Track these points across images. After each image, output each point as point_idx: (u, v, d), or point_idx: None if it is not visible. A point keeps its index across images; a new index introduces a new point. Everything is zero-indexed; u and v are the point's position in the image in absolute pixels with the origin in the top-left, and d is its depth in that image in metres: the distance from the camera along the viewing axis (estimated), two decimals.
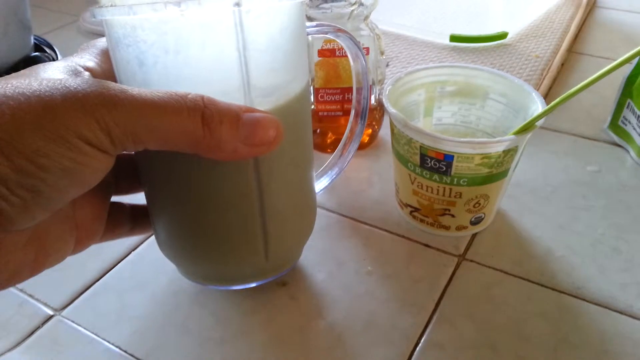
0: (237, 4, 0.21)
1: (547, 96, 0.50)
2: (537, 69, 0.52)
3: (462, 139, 0.29)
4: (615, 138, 0.44)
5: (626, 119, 0.42)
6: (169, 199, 0.26)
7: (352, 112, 0.34)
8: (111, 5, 0.22)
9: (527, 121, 0.30)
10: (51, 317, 0.30)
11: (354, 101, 0.34)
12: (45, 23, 0.64)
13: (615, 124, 0.44)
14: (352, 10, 0.36)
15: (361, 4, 0.37)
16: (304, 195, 0.29)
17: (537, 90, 0.49)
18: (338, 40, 0.31)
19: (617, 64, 0.27)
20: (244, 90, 0.23)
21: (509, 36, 0.57)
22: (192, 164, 0.24)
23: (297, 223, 0.29)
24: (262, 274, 0.30)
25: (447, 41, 0.56)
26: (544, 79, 0.51)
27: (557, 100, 0.29)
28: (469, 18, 0.62)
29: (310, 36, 0.34)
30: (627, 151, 0.43)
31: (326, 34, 0.30)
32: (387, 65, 0.52)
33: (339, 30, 0.29)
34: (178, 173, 0.25)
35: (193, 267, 0.29)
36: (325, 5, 0.37)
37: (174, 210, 0.27)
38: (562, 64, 0.55)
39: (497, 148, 0.30)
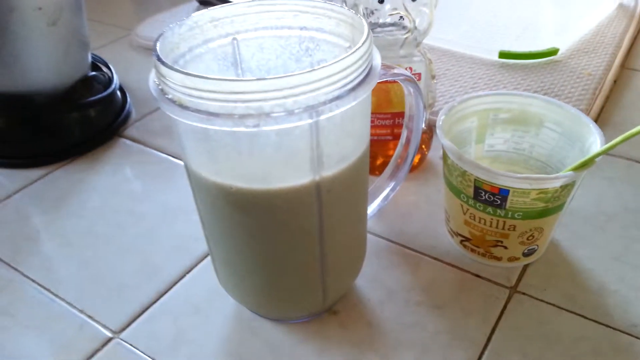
0: (314, 117, 0.22)
1: (599, 116, 0.49)
2: (589, 87, 0.51)
3: (519, 175, 0.29)
4: None
5: None
6: (231, 240, 0.27)
7: (403, 139, 0.34)
8: (180, 106, 0.22)
9: (586, 157, 0.29)
10: (110, 339, 0.32)
11: (404, 131, 0.34)
12: (98, 37, 0.66)
13: None
14: (406, 37, 0.36)
15: (415, 29, 0.37)
16: (359, 231, 0.30)
17: (590, 110, 0.48)
18: (402, 85, 0.31)
19: None
20: (312, 168, 0.24)
21: (559, 52, 0.56)
22: (259, 209, 0.25)
23: (353, 258, 0.30)
24: (318, 310, 0.30)
25: (495, 57, 0.55)
26: (596, 98, 0.50)
27: (620, 138, 0.28)
28: (518, 32, 0.61)
29: None
30: None
31: (395, 80, 0.30)
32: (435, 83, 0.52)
33: (408, 79, 0.29)
34: (243, 215, 0.26)
35: (250, 302, 0.30)
36: (379, 29, 0.37)
37: (234, 249, 0.28)
38: (615, 81, 0.54)
39: (555, 184, 0.29)
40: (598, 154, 0.29)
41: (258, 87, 0.21)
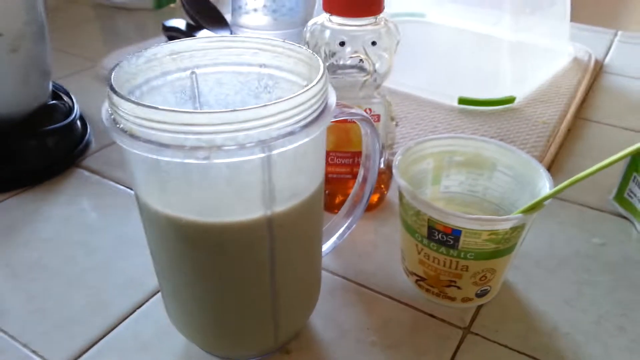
0: (266, 151, 0.22)
1: (552, 163, 0.50)
2: (544, 135, 0.52)
3: (470, 215, 0.30)
4: (621, 210, 0.44)
5: (632, 192, 0.43)
6: (180, 275, 0.27)
7: (360, 178, 0.35)
8: (131, 136, 0.22)
9: (535, 201, 0.30)
10: None
11: (361, 169, 0.34)
12: (62, 67, 0.65)
13: (621, 196, 0.44)
14: (366, 80, 0.37)
15: (375, 72, 0.37)
16: (313, 268, 0.30)
17: (544, 157, 0.50)
18: (359, 125, 0.32)
19: (622, 156, 0.28)
20: (264, 202, 0.24)
21: (516, 100, 0.58)
22: (209, 242, 0.25)
23: (306, 296, 0.30)
24: (270, 349, 0.30)
25: (455, 103, 0.57)
26: (550, 145, 0.51)
27: (566, 183, 0.29)
28: (477, 80, 0.63)
29: None
30: (633, 224, 0.43)
31: (353, 120, 0.30)
32: (397, 125, 0.53)
33: (364, 119, 0.30)
34: (193, 249, 0.25)
35: (200, 339, 0.29)
36: (340, 71, 0.38)
37: (184, 284, 0.27)
38: (569, 130, 0.56)
39: (505, 225, 0.30)
40: (546, 198, 0.30)
41: (210, 119, 0.21)
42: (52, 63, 0.49)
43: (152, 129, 0.21)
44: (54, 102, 0.48)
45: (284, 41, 0.28)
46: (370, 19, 0.36)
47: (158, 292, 0.35)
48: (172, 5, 0.89)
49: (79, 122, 0.50)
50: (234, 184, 0.23)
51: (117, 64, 0.25)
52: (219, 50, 0.29)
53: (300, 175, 0.25)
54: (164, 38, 0.71)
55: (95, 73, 0.65)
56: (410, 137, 0.52)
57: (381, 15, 0.37)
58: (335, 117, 0.29)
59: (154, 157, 0.22)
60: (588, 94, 0.65)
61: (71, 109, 0.49)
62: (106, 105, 0.24)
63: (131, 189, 0.45)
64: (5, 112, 0.44)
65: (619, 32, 0.86)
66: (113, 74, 0.24)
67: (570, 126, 0.57)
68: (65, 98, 0.51)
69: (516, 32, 0.63)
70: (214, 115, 0.21)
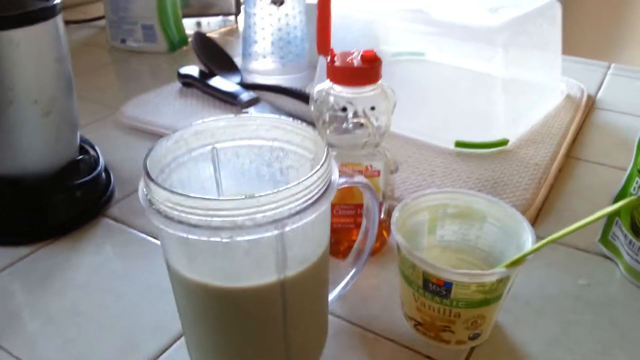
0: (280, 229, 0.26)
1: (543, 205, 0.54)
2: (535, 177, 0.56)
3: (459, 271, 0.33)
4: (606, 251, 0.47)
5: (615, 235, 0.46)
6: (204, 328, 0.31)
7: (361, 236, 0.38)
8: (165, 217, 0.26)
9: (517, 256, 0.34)
10: None
11: (363, 224, 0.38)
12: (83, 115, 0.69)
13: (605, 238, 0.47)
14: (366, 141, 0.41)
15: (374, 133, 0.41)
16: (321, 318, 0.33)
17: (535, 199, 0.53)
18: (361, 189, 0.36)
19: (597, 217, 0.31)
20: (277, 269, 0.28)
21: (510, 142, 0.62)
22: (230, 303, 0.29)
23: (315, 343, 0.33)
24: None
25: (452, 146, 0.61)
26: (541, 187, 0.55)
27: (545, 241, 0.33)
28: (473, 121, 0.66)
29: None
30: (617, 265, 0.46)
31: (354, 186, 0.34)
32: (397, 170, 0.57)
33: (365, 186, 0.34)
34: (215, 307, 0.29)
35: None
36: (344, 133, 0.41)
37: (206, 335, 0.31)
38: (560, 170, 0.60)
39: (491, 278, 0.34)
40: (527, 253, 0.34)
41: (232, 205, 0.25)
42: (79, 116, 0.53)
43: (184, 212, 0.25)
44: (81, 156, 0.52)
45: (293, 120, 0.32)
46: (370, 87, 0.40)
47: (182, 336, 0.39)
48: (184, 47, 0.94)
49: (103, 173, 0.54)
50: (252, 254, 0.27)
51: (151, 149, 0.29)
52: (237, 128, 0.33)
53: (309, 244, 0.29)
54: (178, 84, 0.76)
55: (115, 120, 0.69)
56: (410, 182, 0.55)
57: (379, 82, 0.41)
58: (340, 185, 0.33)
59: (185, 235, 0.26)
60: (579, 132, 0.68)
61: (97, 162, 0.53)
62: (142, 186, 0.28)
63: (153, 237, 0.49)
64: (38, 169, 0.48)
65: (612, 65, 0.90)
66: (147, 160, 0.28)
67: (561, 166, 0.60)
68: (91, 151, 0.55)
69: (509, 67, 0.67)
70: (236, 202, 0.25)
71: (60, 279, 0.45)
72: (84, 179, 0.50)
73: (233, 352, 0.31)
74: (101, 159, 0.54)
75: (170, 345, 0.39)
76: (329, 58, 0.41)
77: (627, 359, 0.38)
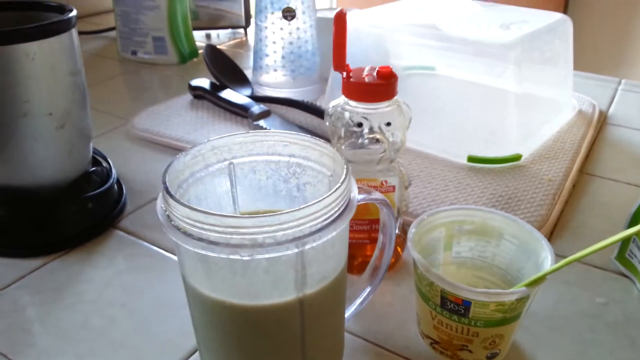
0: (300, 247, 0.25)
1: (558, 221, 0.53)
2: (549, 193, 0.56)
3: (478, 289, 0.33)
4: (623, 269, 0.47)
5: (632, 253, 0.46)
6: (221, 346, 0.30)
7: (377, 252, 0.38)
8: (184, 233, 0.26)
9: (537, 275, 0.33)
10: None
11: (379, 239, 0.38)
12: (95, 126, 0.69)
13: (622, 256, 0.47)
14: (382, 156, 0.41)
15: (389, 149, 0.41)
16: (338, 335, 0.33)
17: (550, 215, 0.53)
18: (377, 206, 0.35)
19: (620, 237, 0.31)
20: (296, 287, 0.27)
21: (523, 157, 0.61)
22: (249, 321, 0.28)
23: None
24: None
25: (465, 161, 0.61)
26: (556, 204, 0.54)
27: (566, 260, 0.33)
28: (485, 136, 0.66)
29: None
30: (634, 283, 0.46)
31: (372, 202, 0.34)
32: (410, 184, 0.57)
33: (382, 202, 0.34)
34: (233, 325, 0.29)
35: None
36: (359, 149, 0.41)
37: (223, 354, 0.31)
38: (574, 186, 0.59)
39: (510, 297, 0.33)
40: (547, 273, 0.33)
41: (252, 223, 0.25)
42: (92, 127, 0.53)
43: (203, 229, 0.25)
44: (93, 168, 0.52)
45: (310, 137, 0.32)
46: (385, 103, 0.40)
47: (194, 353, 0.38)
48: (195, 59, 0.94)
49: (115, 185, 0.54)
50: (271, 273, 0.27)
51: (170, 164, 0.29)
52: (254, 144, 0.33)
53: (328, 262, 0.29)
54: (189, 96, 0.76)
55: (126, 132, 0.69)
56: (423, 197, 0.55)
57: (395, 98, 0.41)
58: (358, 202, 0.32)
59: (204, 252, 0.25)
60: (592, 148, 0.68)
61: (109, 174, 0.53)
62: (160, 202, 0.28)
63: (165, 250, 0.49)
64: (52, 182, 0.48)
65: (623, 81, 0.89)
66: (167, 175, 0.28)
67: (575, 182, 0.60)
68: (104, 163, 0.55)
69: (521, 82, 0.67)
70: (256, 219, 0.25)
71: (72, 292, 0.44)
72: (97, 191, 0.50)
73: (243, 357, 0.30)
74: (114, 171, 0.54)
75: None
76: (344, 74, 0.41)
77: None
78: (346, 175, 0.28)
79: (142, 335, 0.40)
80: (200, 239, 0.25)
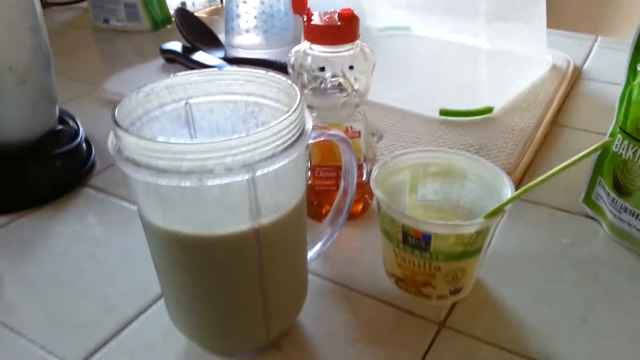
0: (251, 173, 0.25)
1: (528, 169, 0.54)
2: (520, 142, 0.56)
3: (438, 222, 0.33)
4: (590, 212, 0.47)
5: (598, 195, 0.46)
6: (180, 281, 0.30)
7: (341, 190, 0.38)
8: (134, 163, 0.26)
9: (496, 206, 0.34)
10: None
11: (342, 182, 0.38)
12: (65, 91, 0.69)
13: (589, 199, 0.47)
14: (345, 101, 0.41)
15: (353, 93, 0.41)
16: (299, 272, 0.33)
17: (519, 163, 0.53)
18: (337, 144, 0.35)
19: (577, 159, 0.31)
20: (251, 216, 0.27)
21: (495, 110, 0.61)
22: (204, 253, 0.28)
23: (293, 298, 0.33)
24: (262, 345, 0.33)
25: (437, 115, 0.61)
26: (525, 152, 0.55)
27: (522, 189, 0.33)
28: (458, 91, 0.66)
29: None
30: (600, 224, 0.46)
31: (330, 139, 0.34)
32: (381, 138, 0.57)
33: (341, 139, 0.34)
34: (190, 258, 0.29)
35: (199, 338, 0.33)
36: (322, 94, 0.41)
37: (183, 289, 0.31)
38: (545, 137, 0.59)
39: (470, 229, 0.34)
40: (505, 203, 0.33)
41: (201, 148, 0.25)
42: (57, 89, 0.52)
43: (152, 157, 0.25)
44: (60, 127, 0.52)
45: (266, 73, 0.32)
46: (347, 46, 0.40)
47: (160, 298, 0.39)
48: (168, 26, 0.93)
49: (84, 145, 0.54)
50: (224, 201, 0.27)
51: (121, 101, 0.29)
52: (210, 83, 0.33)
53: (282, 191, 0.29)
54: (161, 60, 0.75)
55: (97, 96, 0.69)
56: (395, 149, 0.55)
57: (357, 41, 0.41)
58: (314, 138, 0.32)
59: (154, 181, 0.25)
60: (565, 101, 0.68)
61: (77, 133, 0.53)
62: (111, 136, 0.28)
63: (133, 205, 0.49)
64: (17, 140, 0.48)
65: (599, 38, 0.89)
66: (117, 109, 0.28)
67: (546, 132, 0.60)
68: (71, 122, 0.54)
69: (493, 39, 0.67)
70: (203, 145, 0.25)
71: (41, 246, 0.44)
72: (64, 149, 0.50)
73: (210, 306, 0.31)
74: (81, 130, 0.54)
75: (149, 307, 0.38)
76: (305, 17, 0.40)
77: (611, 314, 0.38)
78: (298, 104, 0.28)
79: (109, 283, 0.40)
80: (149, 167, 0.25)
